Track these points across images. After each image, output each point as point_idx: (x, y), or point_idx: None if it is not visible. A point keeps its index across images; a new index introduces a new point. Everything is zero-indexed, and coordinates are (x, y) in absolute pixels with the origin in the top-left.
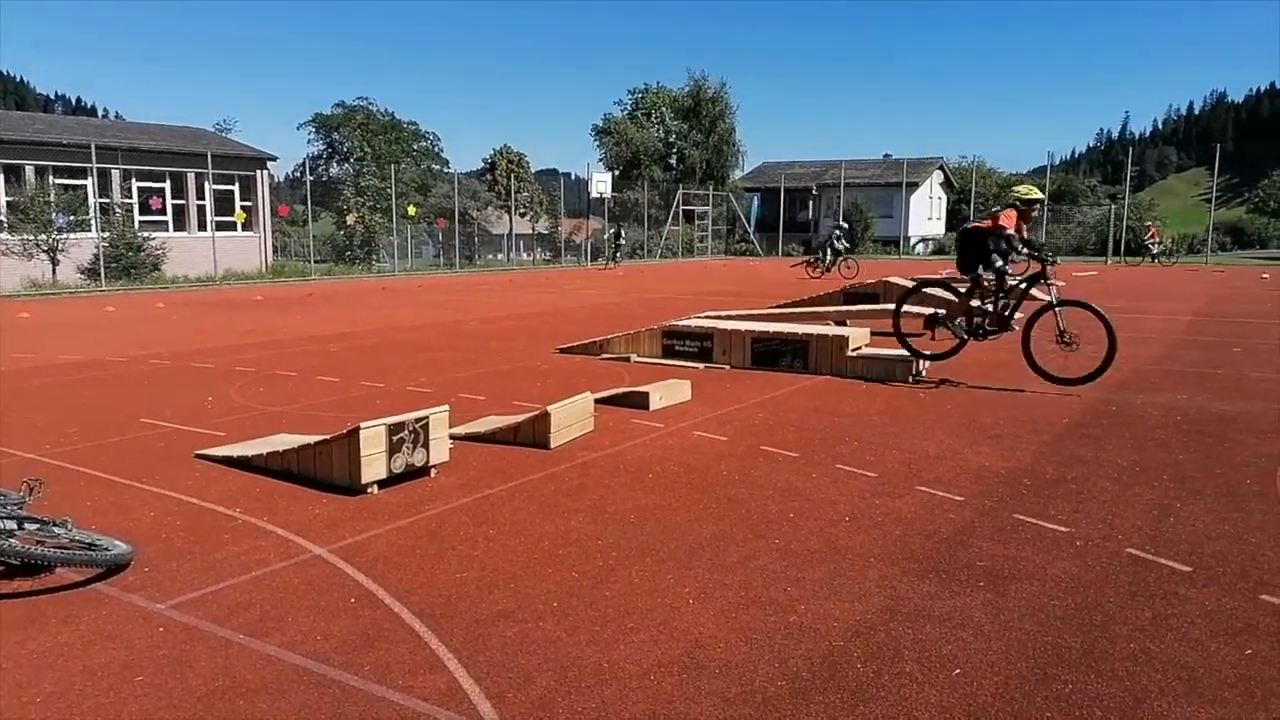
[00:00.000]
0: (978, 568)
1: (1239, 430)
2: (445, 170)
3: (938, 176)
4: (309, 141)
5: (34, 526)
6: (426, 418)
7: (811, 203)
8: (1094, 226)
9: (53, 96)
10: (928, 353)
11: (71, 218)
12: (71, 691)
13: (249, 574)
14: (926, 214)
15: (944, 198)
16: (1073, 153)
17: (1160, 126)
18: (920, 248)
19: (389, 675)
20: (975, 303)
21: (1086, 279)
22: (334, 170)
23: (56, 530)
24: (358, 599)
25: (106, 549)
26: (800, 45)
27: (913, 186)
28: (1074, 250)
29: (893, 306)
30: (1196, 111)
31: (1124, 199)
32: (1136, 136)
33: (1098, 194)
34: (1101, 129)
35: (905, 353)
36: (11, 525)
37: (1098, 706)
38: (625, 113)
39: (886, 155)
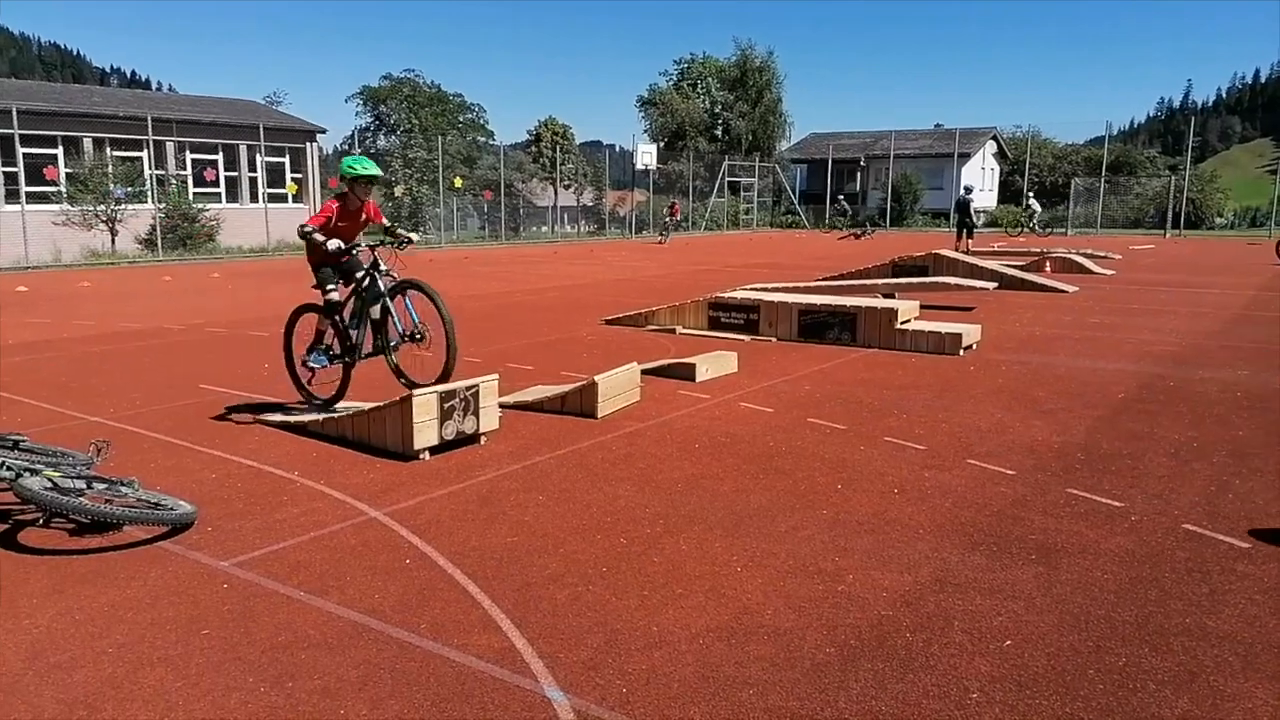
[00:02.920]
0: (1029, 541)
1: None
2: (491, 142)
3: (990, 147)
4: (357, 114)
5: (102, 486)
6: (477, 386)
7: (859, 174)
8: (1153, 199)
9: (108, 70)
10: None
11: (129, 189)
12: (141, 643)
13: (307, 535)
14: (979, 185)
15: (996, 169)
16: (1132, 122)
17: (1224, 95)
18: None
19: (444, 633)
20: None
21: (1143, 253)
22: (381, 142)
23: (124, 490)
24: (412, 560)
25: (171, 508)
26: (849, 12)
27: (964, 157)
28: (1132, 223)
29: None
30: (1263, 80)
31: (1184, 170)
32: (1199, 106)
33: (1157, 165)
34: (1163, 98)
35: (956, 327)
36: (81, 485)
37: (1151, 680)
38: (671, 83)
39: (937, 125)
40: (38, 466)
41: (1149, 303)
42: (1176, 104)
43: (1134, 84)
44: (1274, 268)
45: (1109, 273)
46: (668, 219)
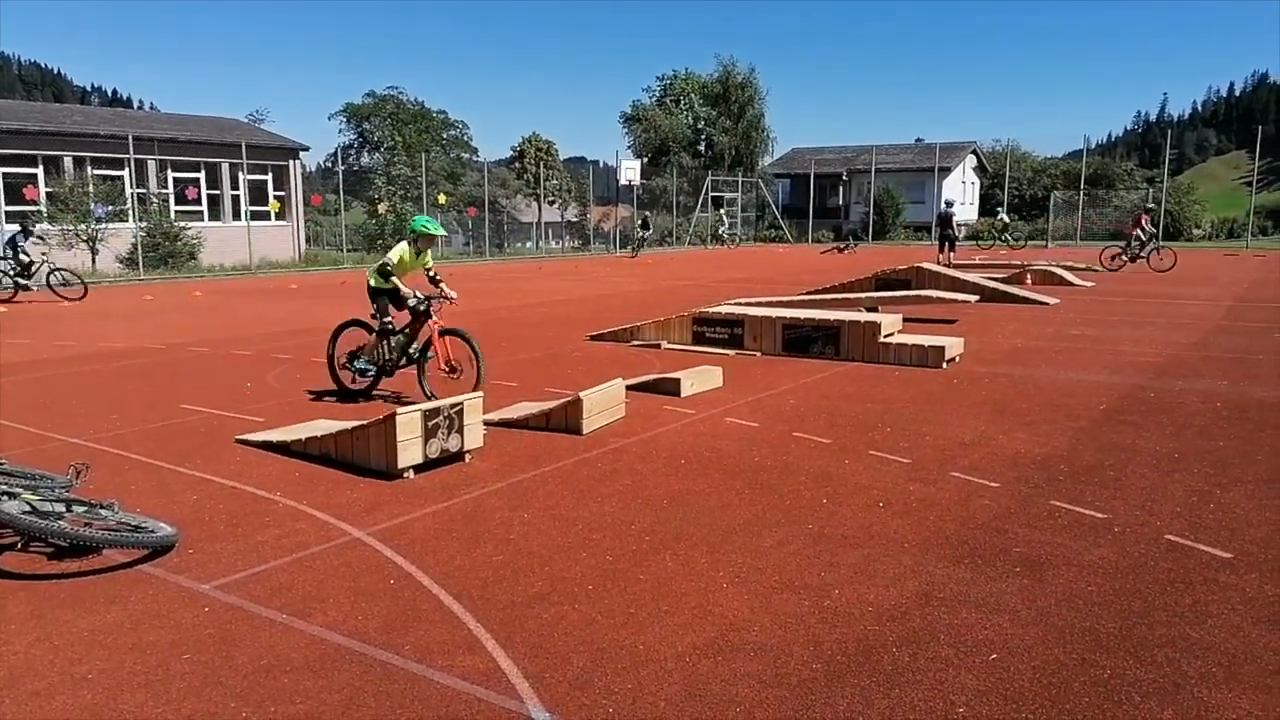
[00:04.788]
0: (1014, 554)
1: None
2: (475, 159)
3: (970, 160)
4: (340, 131)
5: (81, 509)
6: (461, 404)
7: (842, 189)
8: (1130, 211)
9: (89, 88)
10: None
11: (110, 208)
12: (121, 669)
13: (290, 556)
14: (959, 199)
15: (977, 182)
16: (1109, 136)
17: (1199, 108)
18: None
19: (429, 655)
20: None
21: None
22: (365, 160)
23: (103, 513)
24: (397, 581)
25: (152, 531)
26: (830, 30)
27: (945, 171)
28: (1111, 235)
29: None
30: (1237, 93)
31: (1162, 182)
32: (1175, 119)
33: (1135, 178)
34: (1139, 111)
35: (939, 340)
36: (60, 508)
37: (1136, 692)
38: (654, 99)
39: (918, 139)
40: (16, 490)
41: (1129, 314)
42: (1153, 117)
43: (1111, 98)
44: (1251, 277)
45: (1089, 284)
46: (1139, 230)
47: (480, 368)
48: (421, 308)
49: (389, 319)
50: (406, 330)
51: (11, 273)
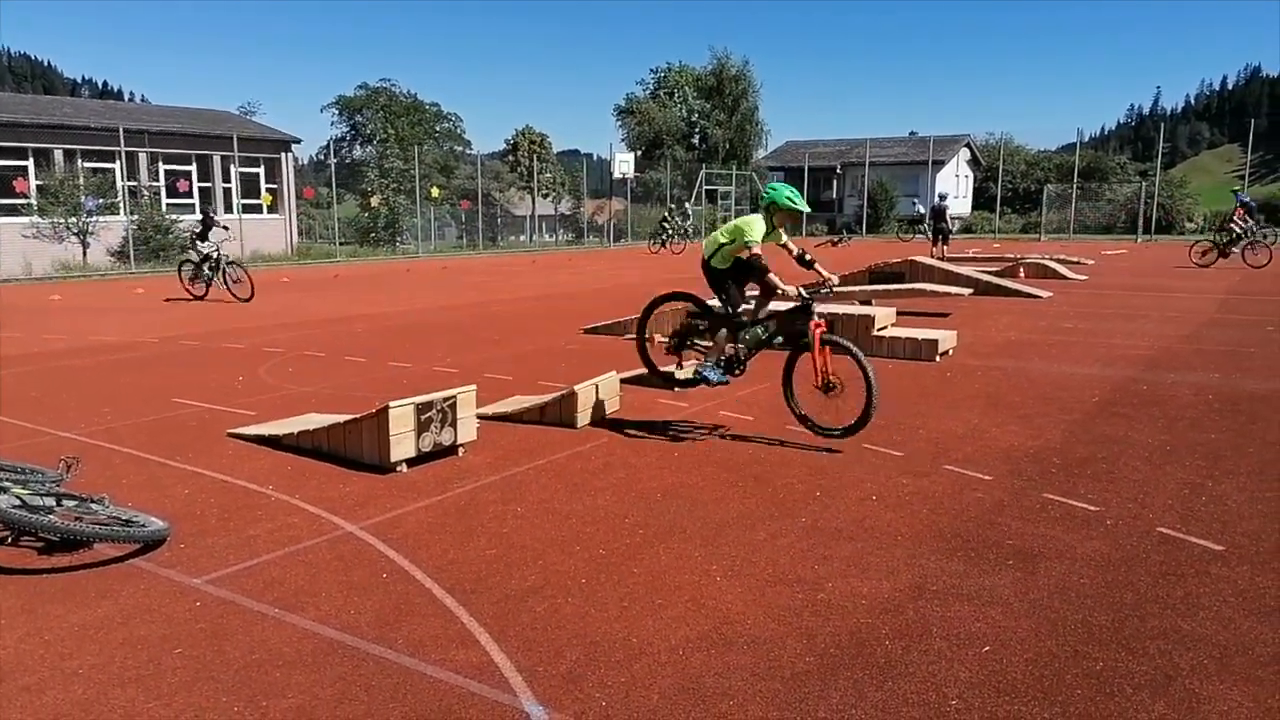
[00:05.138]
0: (1007, 546)
1: (1273, 409)
2: (468, 151)
3: (964, 154)
4: (332, 124)
5: (72, 503)
6: (454, 397)
7: (836, 182)
8: (1124, 204)
9: (80, 80)
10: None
11: (100, 200)
12: (112, 663)
13: (282, 550)
14: (953, 192)
15: (970, 175)
16: (1103, 129)
17: (1193, 102)
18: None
19: (422, 649)
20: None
21: (1116, 257)
22: (357, 152)
23: (94, 507)
24: (389, 575)
25: (143, 525)
26: (825, 23)
27: (938, 164)
28: (1104, 229)
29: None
30: (1230, 86)
31: (1155, 176)
32: (1168, 112)
33: (1128, 171)
34: (1132, 105)
35: (932, 333)
36: (50, 502)
37: (1129, 684)
38: (647, 92)
39: (912, 133)
40: (5, 484)
41: (1121, 307)
42: (1146, 110)
43: (1104, 91)
44: (1242, 271)
45: (1082, 278)
46: (1234, 224)
47: (872, 395)
48: (800, 306)
49: (740, 309)
50: (769, 324)
51: (204, 267)
